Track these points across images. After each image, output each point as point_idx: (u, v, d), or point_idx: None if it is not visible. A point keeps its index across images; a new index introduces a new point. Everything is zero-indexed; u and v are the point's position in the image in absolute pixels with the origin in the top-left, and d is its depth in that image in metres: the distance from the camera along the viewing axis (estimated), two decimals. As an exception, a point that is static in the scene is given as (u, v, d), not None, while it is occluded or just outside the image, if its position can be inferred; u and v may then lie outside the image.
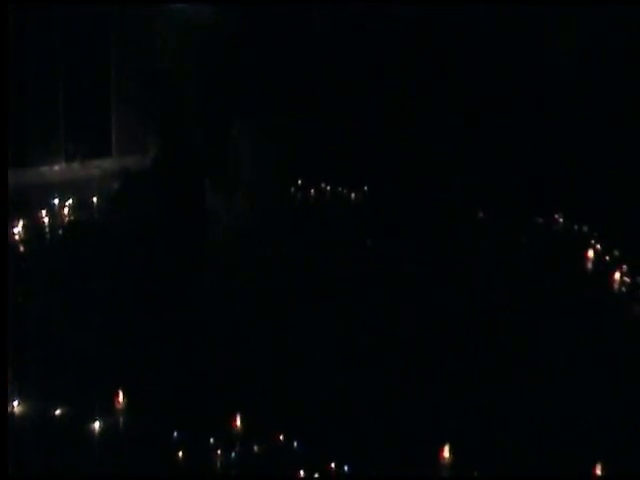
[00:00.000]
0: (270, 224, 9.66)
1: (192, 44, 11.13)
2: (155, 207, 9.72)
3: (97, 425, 6.12)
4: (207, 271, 8.77)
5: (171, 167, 10.14)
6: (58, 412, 6.22)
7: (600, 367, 7.07)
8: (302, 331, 7.47)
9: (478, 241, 9.75)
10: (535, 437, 6.11)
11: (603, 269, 9.12)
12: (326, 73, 11.69)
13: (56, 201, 10.40)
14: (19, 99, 11.05)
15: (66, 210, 10.33)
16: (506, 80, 11.32)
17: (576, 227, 10.09)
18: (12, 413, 6.19)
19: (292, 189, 10.98)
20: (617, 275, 8.85)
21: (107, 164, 11.84)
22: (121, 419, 6.25)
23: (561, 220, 10.30)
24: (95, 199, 10.62)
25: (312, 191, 11.04)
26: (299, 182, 11.07)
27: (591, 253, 9.43)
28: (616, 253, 9.28)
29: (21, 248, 9.26)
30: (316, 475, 5.64)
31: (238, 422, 6.10)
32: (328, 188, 11.14)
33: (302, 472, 5.65)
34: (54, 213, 10.21)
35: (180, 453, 5.79)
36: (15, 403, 6.25)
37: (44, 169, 11.58)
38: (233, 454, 5.89)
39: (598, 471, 5.71)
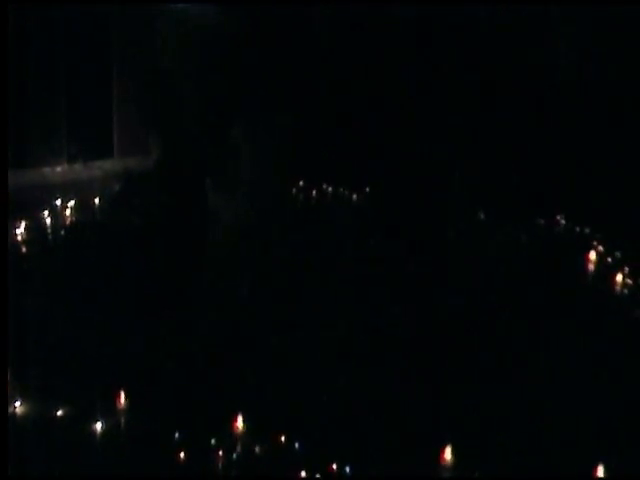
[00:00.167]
0: (271, 225, 9.66)
1: (193, 44, 11.12)
2: (157, 208, 9.72)
3: (98, 426, 6.12)
4: (208, 271, 8.77)
5: (173, 168, 10.14)
6: (59, 412, 6.22)
7: (601, 368, 7.06)
8: (303, 331, 7.46)
9: (479, 242, 9.74)
10: (536, 438, 6.11)
11: (605, 271, 9.11)
12: (327, 73, 11.69)
13: (58, 202, 10.40)
14: (20, 100, 11.05)
15: (68, 211, 10.33)
16: (507, 80, 11.32)
17: (578, 229, 10.08)
18: (14, 413, 6.19)
19: (293, 190, 10.98)
20: (619, 277, 8.84)
21: (109, 165, 11.84)
22: (122, 419, 6.25)
23: (563, 222, 10.29)
24: (97, 200, 10.62)
25: (314, 192, 11.03)
26: (300, 183, 11.07)
27: (593, 255, 9.42)
28: (618, 255, 9.27)
29: (23, 249, 9.26)
30: (317, 476, 5.64)
31: (239, 423, 6.10)
32: (330, 189, 11.14)
33: (303, 473, 5.65)
34: (56, 214, 10.21)
35: (181, 454, 5.80)
36: (17, 404, 6.26)
37: (46, 170, 11.59)
38: (234, 455, 5.90)
39: (598, 472, 5.71)
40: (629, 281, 8.79)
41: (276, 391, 6.53)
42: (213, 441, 5.93)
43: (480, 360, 7.14)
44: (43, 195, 10.49)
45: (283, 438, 5.97)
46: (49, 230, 9.89)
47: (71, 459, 5.79)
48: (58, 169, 11.70)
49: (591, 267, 9.31)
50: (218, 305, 8.03)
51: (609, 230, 9.64)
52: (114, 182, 10.76)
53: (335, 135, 11.36)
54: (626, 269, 8.95)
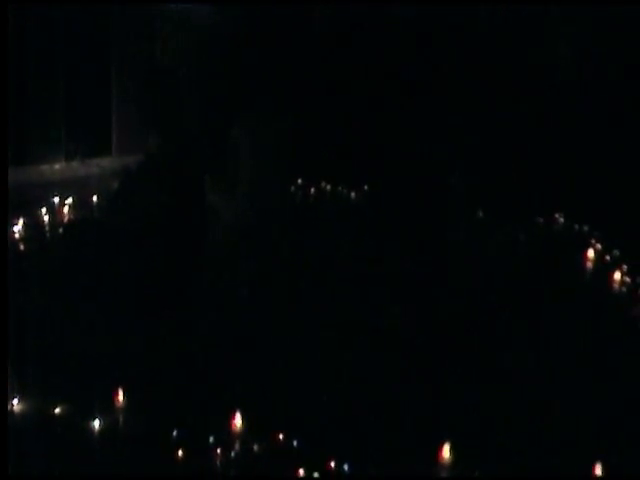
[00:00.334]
0: (270, 223, 9.65)
1: (192, 44, 11.12)
2: (155, 206, 9.71)
3: (96, 423, 6.11)
4: (207, 270, 8.76)
5: (171, 166, 10.13)
6: (57, 410, 6.22)
7: (600, 367, 7.06)
8: (302, 330, 7.46)
9: (478, 240, 9.74)
10: (535, 436, 6.11)
11: (603, 269, 9.11)
12: (326, 72, 11.68)
13: (56, 199, 10.39)
14: (19, 98, 11.04)
15: (66, 209, 10.32)
16: (506, 80, 11.31)
17: (576, 227, 10.08)
18: (11, 411, 6.19)
19: (292, 188, 10.97)
20: (617, 275, 8.84)
21: (107, 163, 11.83)
22: (121, 417, 6.25)
23: (561, 220, 10.29)
24: (95, 198, 10.61)
25: (312, 190, 11.03)
26: (299, 181, 11.06)
27: (591, 253, 9.42)
28: (616, 253, 9.28)
29: (21, 246, 9.25)
30: (316, 474, 5.64)
31: (238, 421, 6.10)
32: (328, 187, 11.13)
33: (302, 471, 5.65)
34: (54, 211, 10.20)
35: (179, 452, 5.79)
36: (15, 401, 6.25)
37: (44, 167, 11.57)
38: (232, 453, 5.89)
39: (598, 471, 5.71)
40: (627, 279, 8.79)
41: (274, 389, 6.53)
42: (211, 439, 5.93)
43: (478, 358, 7.14)
44: (41, 192, 10.48)
45: (281, 436, 5.97)
46: (47, 228, 9.87)
47: (69, 457, 5.78)
48: (56, 166, 11.69)
49: (589, 265, 9.32)
50: (216, 303, 8.03)
51: (607, 228, 9.64)
52: (112, 180, 10.75)
53: (334, 134, 11.36)
54: (624, 267, 8.95)
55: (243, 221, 9.65)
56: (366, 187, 11.11)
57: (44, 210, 10.08)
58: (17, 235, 9.41)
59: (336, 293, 8.29)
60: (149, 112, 10.73)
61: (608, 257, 9.29)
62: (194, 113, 10.51)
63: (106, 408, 6.26)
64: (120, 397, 6.34)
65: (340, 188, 11.14)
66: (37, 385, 6.45)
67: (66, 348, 7.03)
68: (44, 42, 11.49)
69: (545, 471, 5.78)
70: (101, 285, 8.19)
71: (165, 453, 5.78)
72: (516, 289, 8.50)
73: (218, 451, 5.86)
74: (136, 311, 7.69)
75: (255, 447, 5.93)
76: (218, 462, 5.82)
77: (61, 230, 9.91)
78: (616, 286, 8.76)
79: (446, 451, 5.89)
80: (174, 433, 5.96)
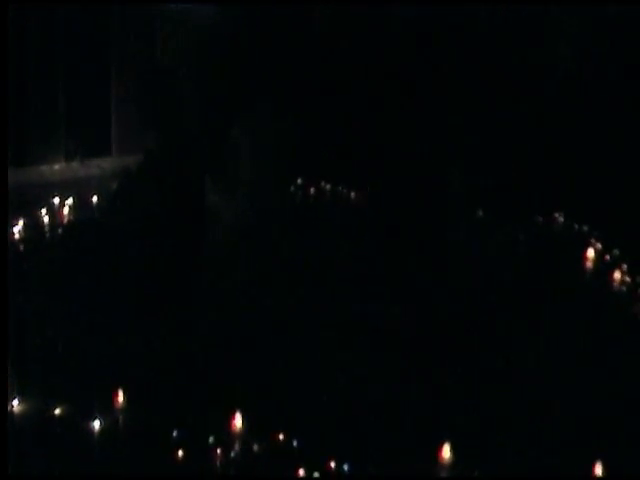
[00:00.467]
0: (270, 223, 9.65)
1: (192, 44, 11.11)
2: (155, 206, 9.71)
3: (97, 424, 6.12)
4: (206, 270, 8.76)
5: (171, 166, 10.13)
6: (57, 411, 6.22)
7: (600, 366, 7.06)
8: (301, 329, 7.46)
9: (477, 240, 9.73)
10: (534, 436, 6.11)
11: (603, 268, 9.11)
12: (326, 72, 11.67)
13: (56, 200, 10.39)
14: (19, 98, 11.04)
15: (66, 209, 10.32)
16: (506, 80, 11.30)
17: (576, 226, 10.07)
18: (11, 412, 6.19)
19: (292, 188, 10.97)
20: (617, 274, 8.84)
21: (107, 163, 11.83)
22: (120, 417, 6.25)
23: (561, 219, 10.28)
24: (95, 198, 10.61)
25: (312, 190, 11.02)
26: (299, 181, 11.06)
27: (591, 252, 9.42)
28: (616, 252, 9.27)
29: (21, 247, 9.25)
30: (315, 474, 5.64)
31: (237, 421, 6.10)
32: (328, 187, 11.12)
33: (302, 471, 5.65)
34: (54, 212, 10.20)
35: (179, 452, 5.79)
36: (15, 402, 6.25)
37: (44, 168, 11.57)
38: (232, 453, 5.90)
39: (598, 470, 5.71)
40: (627, 278, 8.79)
41: (274, 389, 6.53)
42: (211, 439, 5.93)
43: (478, 358, 7.14)
44: (41, 193, 10.48)
45: (281, 436, 5.97)
46: (47, 228, 9.87)
47: (69, 457, 5.79)
48: (56, 167, 11.69)
49: (589, 264, 9.31)
50: (216, 303, 8.02)
51: (607, 228, 9.64)
52: (112, 180, 10.75)
53: (334, 133, 11.34)
54: (624, 266, 8.95)
55: (243, 221, 9.65)
56: (366, 187, 11.09)
57: (44, 211, 10.07)
58: (17, 236, 9.41)
59: (336, 293, 8.29)
60: (149, 112, 10.73)
61: (608, 256, 9.29)
62: (194, 113, 10.51)
63: (106, 408, 6.26)
64: (120, 397, 6.34)
65: (340, 188, 11.13)
66: (37, 385, 6.45)
67: (66, 348, 7.04)
68: (44, 42, 11.49)
69: (545, 471, 5.78)
70: (101, 285, 8.20)
71: (165, 453, 5.78)
72: (516, 289, 8.49)
73: (218, 451, 5.86)
74: (136, 311, 7.69)
75: (255, 447, 5.93)
76: (218, 462, 5.82)
77: (61, 231, 9.91)
78: (616, 285, 8.76)
79: (446, 451, 5.89)
80: (174, 433, 5.96)
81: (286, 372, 6.83)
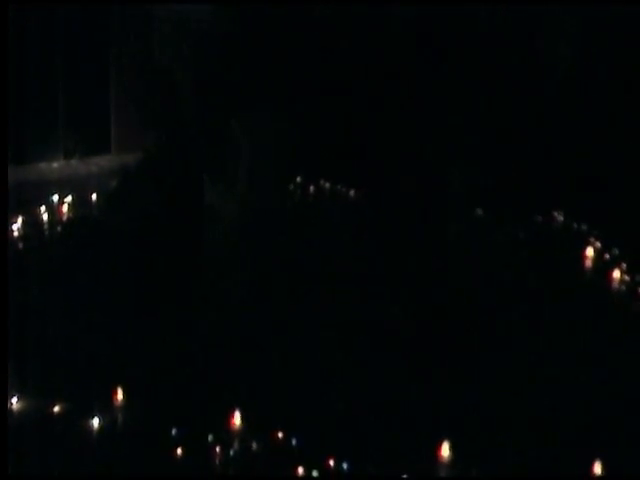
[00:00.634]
0: (269, 222, 9.64)
1: (192, 43, 11.11)
2: (154, 205, 9.70)
3: (96, 422, 6.11)
4: (205, 269, 8.76)
5: (170, 165, 10.13)
6: (57, 409, 6.21)
7: (600, 365, 7.06)
8: (301, 329, 7.46)
9: (477, 239, 9.73)
10: (534, 435, 6.11)
11: (602, 267, 9.11)
12: (325, 71, 11.66)
13: (55, 198, 10.39)
14: (18, 96, 11.02)
15: (65, 207, 10.32)
16: (506, 79, 11.30)
17: (575, 225, 10.07)
18: (11, 410, 6.19)
19: (291, 187, 10.96)
20: (616, 273, 8.84)
21: (106, 161, 11.83)
22: (120, 416, 6.25)
23: (560, 218, 10.28)
24: (94, 196, 10.60)
25: (311, 188, 11.02)
26: (298, 179, 11.05)
27: (590, 251, 9.42)
28: (615, 251, 9.27)
29: (20, 245, 9.25)
30: (315, 472, 5.64)
31: (237, 419, 6.10)
32: (327, 185, 11.12)
33: (301, 469, 5.65)
34: (53, 210, 10.20)
35: (179, 450, 5.79)
36: (14, 400, 6.25)
37: (43, 166, 11.57)
38: (231, 451, 5.89)
39: (598, 470, 5.71)
40: (626, 277, 8.79)
41: (273, 388, 6.53)
42: (210, 437, 5.93)
43: (478, 357, 7.13)
44: (40, 191, 10.48)
45: (280, 434, 5.97)
46: (46, 226, 9.87)
47: (68, 456, 5.78)
48: (55, 165, 11.69)
49: (589, 263, 9.31)
50: (215, 302, 8.02)
51: (606, 226, 9.64)
52: (111, 178, 10.74)
53: (333, 132, 11.34)
54: (623, 265, 8.95)
55: (242, 219, 9.65)
56: (365, 185, 11.09)
57: (43, 208, 10.07)
58: (16, 233, 9.41)
59: (336, 293, 8.28)
60: (148, 111, 10.73)
61: (607, 255, 9.29)
62: (193, 112, 10.51)
63: (105, 407, 6.25)
64: (119, 396, 6.34)
65: (339, 186, 11.13)
66: (37, 384, 6.44)
67: (65, 347, 7.03)
68: (43, 42, 11.48)
69: (545, 471, 5.78)
70: (100, 284, 8.19)
71: (164, 451, 5.78)
72: (515, 288, 8.49)
73: (217, 449, 5.86)
74: (135, 310, 7.69)
75: (254, 446, 5.93)
76: (217, 460, 5.82)
77: (60, 228, 9.91)
78: (615, 284, 8.76)
79: (445, 450, 5.89)
80: (173, 431, 5.95)
81: (285, 371, 6.82)
